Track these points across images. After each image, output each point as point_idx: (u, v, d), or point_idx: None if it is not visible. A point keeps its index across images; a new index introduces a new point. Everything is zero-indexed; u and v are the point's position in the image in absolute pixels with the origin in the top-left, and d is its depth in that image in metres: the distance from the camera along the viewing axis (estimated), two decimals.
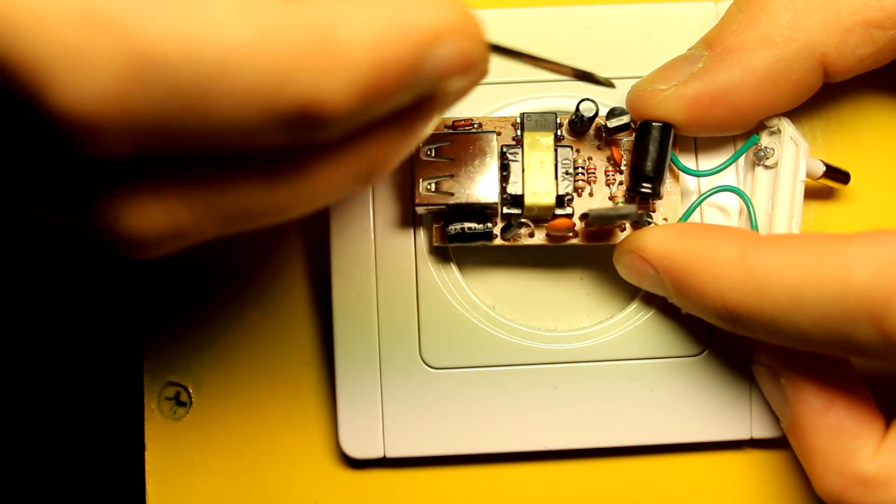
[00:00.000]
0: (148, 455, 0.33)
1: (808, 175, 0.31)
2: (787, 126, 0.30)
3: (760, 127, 0.31)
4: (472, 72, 0.21)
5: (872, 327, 0.24)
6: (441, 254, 0.31)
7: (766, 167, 0.31)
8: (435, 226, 0.30)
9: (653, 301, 0.31)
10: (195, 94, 0.17)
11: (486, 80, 0.32)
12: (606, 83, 0.28)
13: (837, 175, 0.31)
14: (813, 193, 0.32)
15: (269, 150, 0.20)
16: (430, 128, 0.23)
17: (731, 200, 0.32)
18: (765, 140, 0.31)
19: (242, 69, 0.17)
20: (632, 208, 0.29)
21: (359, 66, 0.18)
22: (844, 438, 0.27)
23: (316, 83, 0.18)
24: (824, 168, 0.31)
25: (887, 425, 0.28)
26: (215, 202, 0.20)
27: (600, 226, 0.30)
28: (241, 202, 0.21)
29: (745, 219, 0.31)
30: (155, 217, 0.20)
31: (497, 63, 0.32)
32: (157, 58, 0.17)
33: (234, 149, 0.20)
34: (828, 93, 0.31)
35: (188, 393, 0.33)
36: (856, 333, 0.24)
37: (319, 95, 0.18)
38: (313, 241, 0.33)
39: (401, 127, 0.22)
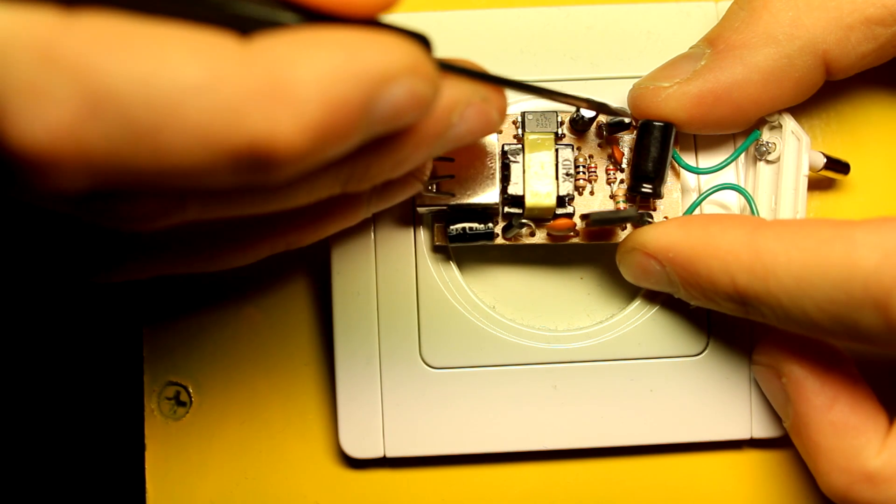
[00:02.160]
0: (148, 455, 0.33)
1: (810, 168, 0.31)
2: (788, 121, 0.30)
3: (761, 122, 0.31)
4: (422, 111, 0.21)
5: (877, 313, 0.24)
6: (441, 253, 0.31)
7: (768, 162, 0.31)
8: (436, 225, 0.30)
9: (653, 301, 0.31)
10: (147, 130, 0.18)
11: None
12: (622, 113, 0.29)
13: (838, 166, 0.31)
14: (813, 184, 0.32)
15: (224, 192, 0.21)
16: (416, 156, 0.23)
17: (733, 198, 0.32)
18: (766, 135, 0.31)
19: (193, 108, 0.18)
20: (632, 210, 0.29)
21: (310, 107, 0.19)
22: (849, 435, 0.27)
23: (266, 123, 0.18)
24: (825, 160, 0.31)
25: (891, 421, 0.28)
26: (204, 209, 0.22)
27: (601, 227, 0.30)
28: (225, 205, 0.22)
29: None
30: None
31: (496, 62, 0.32)
32: (112, 95, 0.17)
33: (188, 189, 0.20)
34: (827, 90, 0.31)
35: (188, 393, 0.33)
36: (860, 319, 0.24)
37: (270, 135, 0.18)
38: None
39: (383, 144, 0.22)
